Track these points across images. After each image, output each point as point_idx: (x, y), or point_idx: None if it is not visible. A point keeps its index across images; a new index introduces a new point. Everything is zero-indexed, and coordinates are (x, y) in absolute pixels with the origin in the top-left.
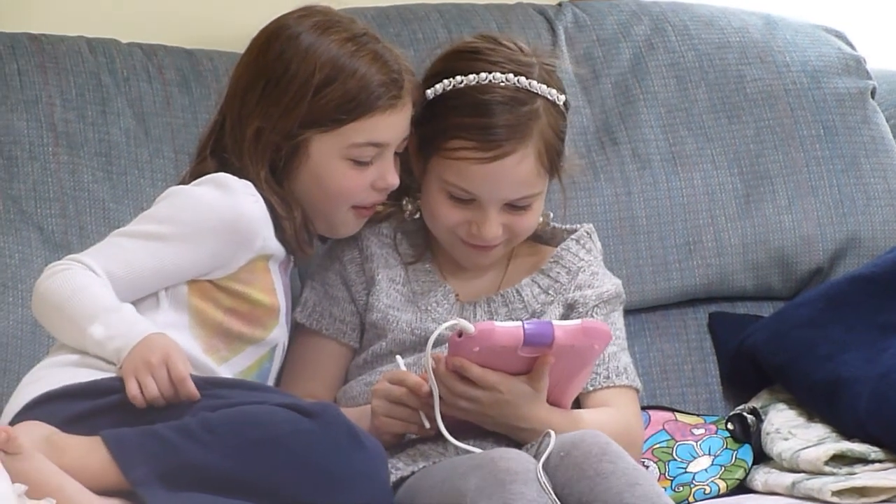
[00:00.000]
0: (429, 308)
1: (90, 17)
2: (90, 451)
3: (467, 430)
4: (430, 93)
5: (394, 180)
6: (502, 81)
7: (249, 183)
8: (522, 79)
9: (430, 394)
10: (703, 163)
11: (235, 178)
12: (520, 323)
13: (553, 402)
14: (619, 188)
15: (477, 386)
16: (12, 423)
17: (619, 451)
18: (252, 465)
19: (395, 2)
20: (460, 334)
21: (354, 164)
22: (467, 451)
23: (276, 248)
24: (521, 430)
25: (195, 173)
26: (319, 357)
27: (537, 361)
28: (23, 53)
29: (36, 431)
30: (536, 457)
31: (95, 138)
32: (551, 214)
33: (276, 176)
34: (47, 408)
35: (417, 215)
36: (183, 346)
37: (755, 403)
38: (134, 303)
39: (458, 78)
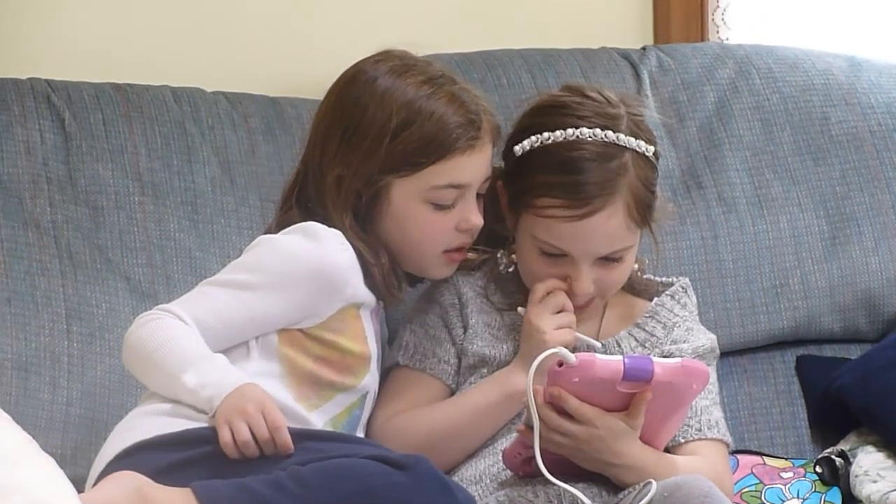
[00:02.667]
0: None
1: (174, 67)
2: (181, 503)
3: (560, 472)
4: (517, 149)
5: (477, 221)
6: (590, 136)
7: (338, 232)
8: (610, 132)
9: (530, 427)
10: (789, 205)
11: (324, 226)
12: (620, 357)
13: (646, 441)
14: (706, 232)
15: (573, 420)
16: (105, 471)
17: (722, 497)
18: None
19: (479, 47)
20: (560, 364)
21: (436, 207)
22: (561, 489)
23: (365, 295)
24: (613, 467)
25: (281, 223)
26: (419, 391)
27: (635, 398)
28: (108, 103)
29: (127, 482)
30: None
31: (181, 187)
32: (647, 261)
33: (360, 222)
34: (139, 457)
35: (512, 268)
36: (274, 394)
37: (843, 446)
38: (224, 352)
39: (546, 134)
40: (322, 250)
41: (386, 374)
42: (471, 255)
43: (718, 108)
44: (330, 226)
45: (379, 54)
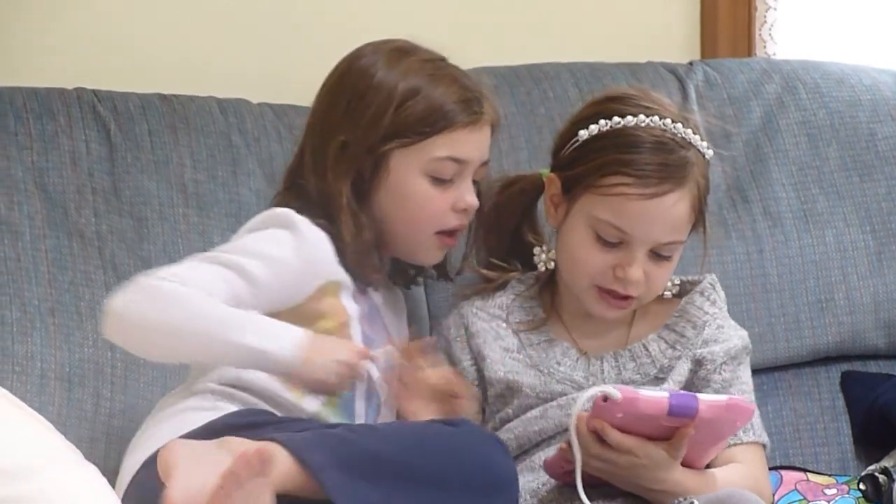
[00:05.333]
0: (551, 370)
1: (220, 78)
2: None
3: (601, 485)
4: (583, 133)
5: (473, 201)
6: (661, 126)
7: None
8: (679, 126)
9: (572, 454)
10: (834, 221)
11: (290, 210)
12: (665, 393)
13: (686, 465)
14: (751, 246)
15: (614, 450)
16: (131, 484)
17: None
18: (422, 454)
19: (526, 61)
20: (605, 398)
21: (434, 181)
22: None
23: (342, 275)
24: (653, 492)
25: (275, 205)
26: None
27: (678, 431)
28: (153, 114)
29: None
30: None
31: (226, 198)
32: (677, 280)
33: (357, 196)
34: None
35: (552, 265)
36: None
37: (887, 463)
38: None
39: (616, 119)
40: (298, 231)
41: None
42: (489, 273)
43: (765, 123)
44: (323, 197)
45: (379, 41)
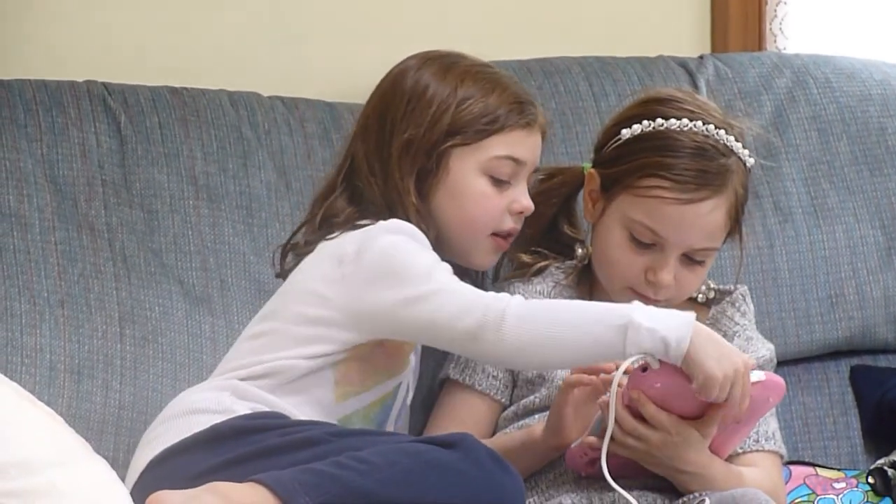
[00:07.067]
0: None
1: (231, 71)
2: (249, 494)
3: (618, 476)
4: (626, 132)
5: (528, 203)
6: (704, 131)
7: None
8: (723, 133)
9: (599, 437)
10: (844, 216)
11: (394, 221)
12: None
13: (713, 450)
14: (762, 241)
15: (648, 425)
16: (139, 482)
17: None
18: (410, 488)
19: (537, 55)
20: (644, 369)
21: (492, 181)
22: (617, 494)
23: None
24: (680, 473)
25: (328, 213)
26: (470, 412)
27: (711, 407)
28: (164, 106)
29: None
30: None
31: (236, 191)
32: (712, 284)
33: (418, 197)
34: (172, 464)
35: (586, 261)
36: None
37: None
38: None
39: (660, 121)
40: (409, 234)
41: (439, 386)
42: (526, 257)
43: (775, 117)
44: (387, 198)
45: (422, 52)
